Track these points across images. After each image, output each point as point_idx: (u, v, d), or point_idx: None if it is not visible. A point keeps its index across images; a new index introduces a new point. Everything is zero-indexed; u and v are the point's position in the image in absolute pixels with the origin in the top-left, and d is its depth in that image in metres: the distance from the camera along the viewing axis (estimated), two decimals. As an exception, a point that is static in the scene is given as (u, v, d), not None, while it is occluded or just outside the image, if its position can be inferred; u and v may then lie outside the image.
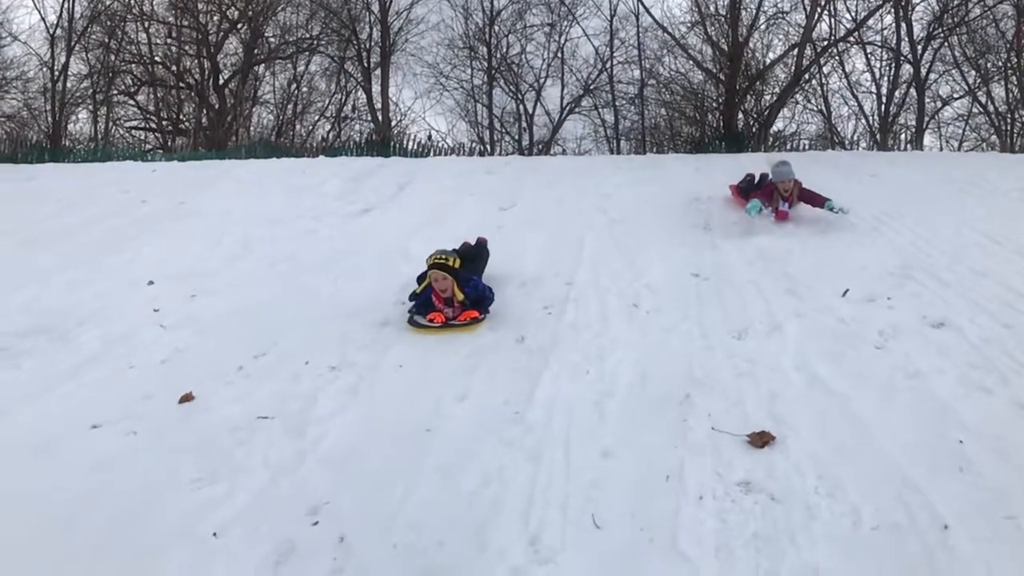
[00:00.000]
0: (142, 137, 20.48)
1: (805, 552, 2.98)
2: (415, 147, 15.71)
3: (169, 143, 19.68)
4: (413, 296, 5.35)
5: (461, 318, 5.13)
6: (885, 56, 17.82)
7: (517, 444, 3.78)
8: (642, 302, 5.39)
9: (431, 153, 15.01)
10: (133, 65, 19.83)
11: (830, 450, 3.58)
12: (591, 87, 19.21)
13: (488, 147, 18.94)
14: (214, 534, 3.23)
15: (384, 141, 16.15)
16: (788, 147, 16.35)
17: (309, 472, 3.65)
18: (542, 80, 19.50)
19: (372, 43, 18.84)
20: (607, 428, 3.90)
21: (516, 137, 19.79)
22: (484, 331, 5.09)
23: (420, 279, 5.37)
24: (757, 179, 7.81)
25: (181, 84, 19.91)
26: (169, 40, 19.53)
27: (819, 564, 2.91)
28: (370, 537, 3.19)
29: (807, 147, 16.25)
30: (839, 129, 18.94)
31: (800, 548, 3.00)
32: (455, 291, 5.22)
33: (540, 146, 19.40)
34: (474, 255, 6.03)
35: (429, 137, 17.58)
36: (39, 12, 24.71)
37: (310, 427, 3.99)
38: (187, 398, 4.30)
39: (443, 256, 5.31)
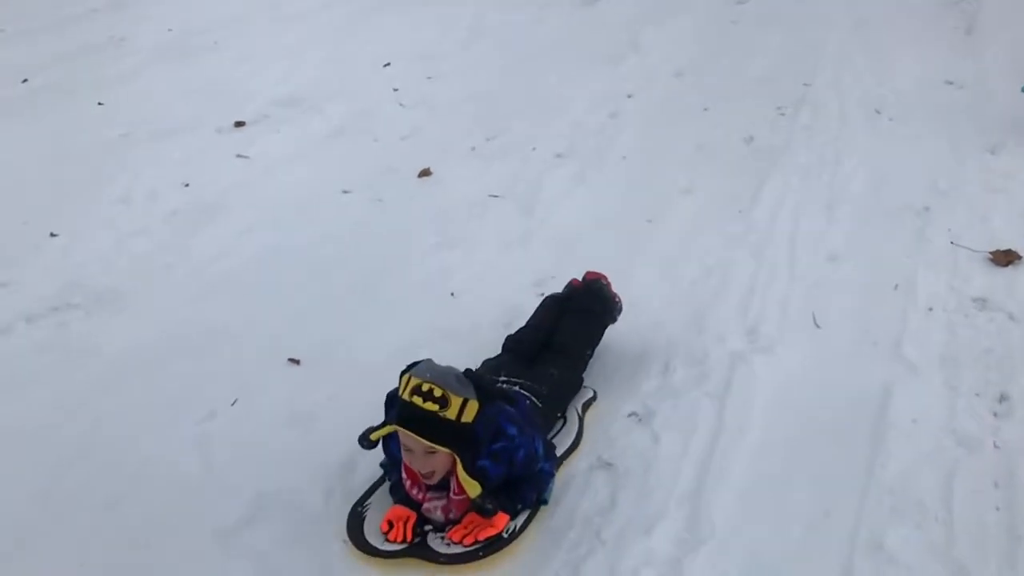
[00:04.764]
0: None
1: (1043, 373, 2.86)
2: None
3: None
4: (366, 442, 2.31)
5: (458, 533, 2.27)
6: None
7: (740, 240, 3.78)
8: (886, 108, 5.02)
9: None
10: None
11: (1087, 276, 3.33)
12: None
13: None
14: (452, 294, 3.54)
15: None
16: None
17: (536, 248, 3.84)
18: None
19: None
20: (835, 233, 3.80)
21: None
22: (708, 128, 4.93)
23: (388, 405, 2.35)
24: None
25: None
26: None
27: (1058, 385, 2.79)
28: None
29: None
30: None
31: (1037, 368, 2.88)
32: (457, 473, 2.24)
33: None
34: (572, 324, 2.97)
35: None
36: None
37: (537, 208, 4.16)
38: (425, 172, 4.57)
39: (430, 386, 2.15)
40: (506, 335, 3.03)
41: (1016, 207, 3.87)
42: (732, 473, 2.52)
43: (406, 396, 2.16)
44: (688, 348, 3.10)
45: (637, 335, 3.22)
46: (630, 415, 2.81)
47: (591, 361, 3.01)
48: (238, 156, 4.83)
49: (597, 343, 3.02)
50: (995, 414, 2.71)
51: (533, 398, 2.64)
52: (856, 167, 4.35)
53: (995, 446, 2.57)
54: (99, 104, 5.50)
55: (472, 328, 3.29)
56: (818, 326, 3.20)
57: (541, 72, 5.88)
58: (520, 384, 2.70)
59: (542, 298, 3.19)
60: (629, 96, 5.40)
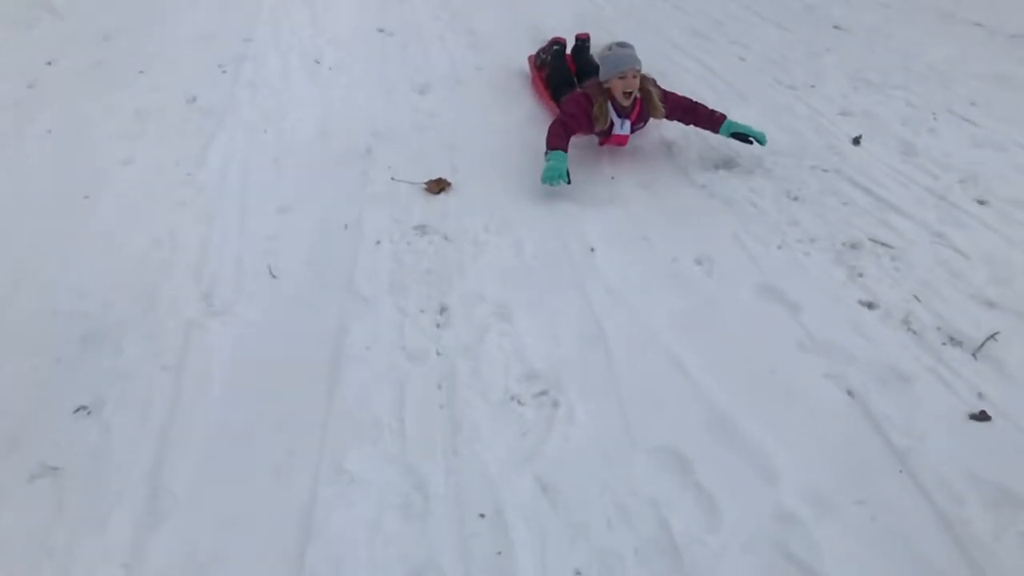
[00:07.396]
0: None
1: (471, 281, 3.20)
2: None
3: None
4: None
5: None
6: None
7: (189, 205, 3.63)
8: (325, 59, 5.20)
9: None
10: None
11: (500, 194, 3.79)
12: None
13: None
14: None
15: None
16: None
17: (-60, 248, 3.28)
18: None
19: None
20: (285, 185, 3.84)
21: None
22: (146, 91, 4.64)
23: None
24: (572, 48, 4.85)
25: None
26: None
27: (483, 289, 3.14)
28: (22, 308, 2.98)
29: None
30: None
31: (467, 278, 3.22)
32: None
33: None
34: None
35: None
36: None
37: (-61, 202, 3.54)
38: None
39: None
40: None
41: (443, 140, 4.26)
42: (193, 441, 2.43)
43: None
44: (140, 325, 2.91)
45: (83, 318, 2.93)
46: (78, 410, 2.55)
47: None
48: None
49: None
50: (437, 325, 2.98)
51: None
52: (300, 118, 4.43)
53: (437, 353, 2.83)
54: None
55: None
56: (274, 276, 3.21)
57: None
58: None
59: None
60: (49, 63, 4.83)
